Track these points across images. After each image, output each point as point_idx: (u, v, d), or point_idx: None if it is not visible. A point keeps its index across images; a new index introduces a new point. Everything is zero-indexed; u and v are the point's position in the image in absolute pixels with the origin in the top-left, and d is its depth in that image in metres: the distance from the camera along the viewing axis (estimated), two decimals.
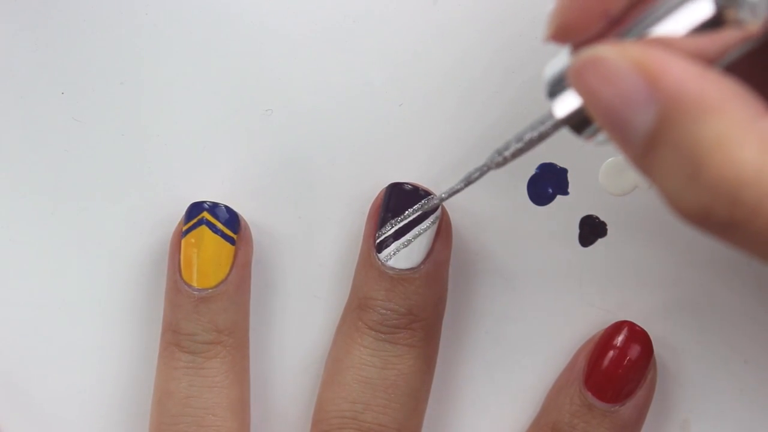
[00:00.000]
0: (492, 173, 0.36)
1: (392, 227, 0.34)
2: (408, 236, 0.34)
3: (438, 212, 0.35)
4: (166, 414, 0.34)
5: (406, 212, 0.34)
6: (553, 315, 0.37)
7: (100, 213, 0.37)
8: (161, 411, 0.35)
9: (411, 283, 0.34)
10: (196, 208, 0.35)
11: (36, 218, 0.37)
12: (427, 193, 0.34)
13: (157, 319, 0.36)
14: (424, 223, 0.34)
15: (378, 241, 0.34)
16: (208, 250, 0.35)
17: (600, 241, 0.37)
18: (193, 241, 0.35)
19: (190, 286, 0.34)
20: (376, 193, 0.36)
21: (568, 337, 0.37)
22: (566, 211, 0.37)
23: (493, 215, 0.37)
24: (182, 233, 0.35)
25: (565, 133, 0.37)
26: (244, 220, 0.36)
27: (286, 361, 0.37)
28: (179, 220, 0.36)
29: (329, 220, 0.37)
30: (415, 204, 0.34)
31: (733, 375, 0.37)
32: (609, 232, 0.37)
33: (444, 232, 0.35)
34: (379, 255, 0.34)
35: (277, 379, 0.37)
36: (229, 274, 0.35)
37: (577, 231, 0.37)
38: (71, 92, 0.37)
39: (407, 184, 0.35)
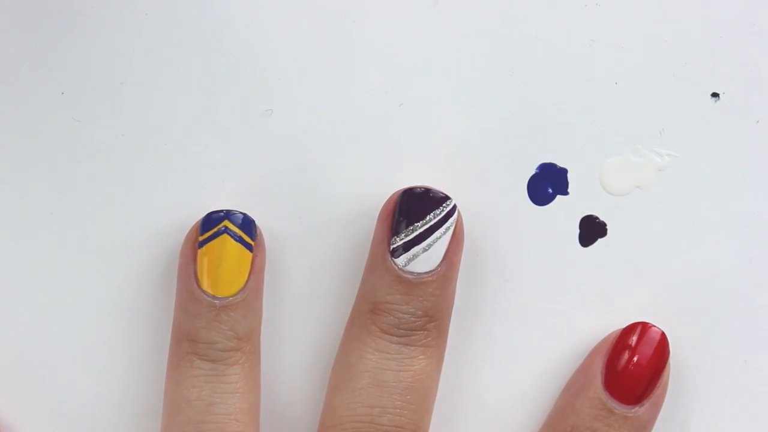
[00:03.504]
0: (492, 173, 0.37)
1: (412, 233, 0.34)
2: (429, 240, 0.34)
3: (455, 215, 0.34)
4: (186, 422, 0.34)
5: (427, 218, 0.34)
6: (552, 315, 0.37)
7: (99, 213, 0.37)
8: (180, 420, 0.34)
9: (429, 285, 0.34)
10: (215, 218, 0.35)
11: (36, 218, 0.37)
12: (441, 194, 0.34)
13: (158, 319, 0.36)
14: (443, 227, 0.34)
15: (394, 246, 0.34)
16: (231, 259, 0.34)
17: (600, 241, 0.37)
18: (214, 250, 0.34)
19: (209, 295, 0.34)
20: (376, 193, 0.36)
21: (568, 338, 0.37)
22: (566, 211, 0.37)
23: (493, 215, 0.37)
24: (199, 243, 0.35)
25: (565, 132, 0.37)
26: (258, 226, 0.36)
27: (288, 365, 0.37)
28: (179, 219, 0.36)
29: (329, 219, 0.37)
30: (429, 206, 0.34)
31: (733, 375, 0.37)
32: (609, 232, 0.37)
33: (458, 234, 0.35)
34: (396, 260, 0.34)
35: (278, 382, 0.37)
36: (247, 281, 0.35)
37: (577, 231, 0.37)
38: (71, 92, 0.37)
39: (418, 187, 0.35)
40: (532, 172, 0.37)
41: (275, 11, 0.36)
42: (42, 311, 0.37)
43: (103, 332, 0.37)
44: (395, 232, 0.34)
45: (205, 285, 0.34)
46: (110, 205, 0.37)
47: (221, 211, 0.35)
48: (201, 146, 0.37)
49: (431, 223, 0.34)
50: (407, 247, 0.34)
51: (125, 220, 0.37)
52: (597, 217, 0.37)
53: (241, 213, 0.35)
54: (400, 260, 0.34)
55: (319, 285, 0.37)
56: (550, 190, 0.37)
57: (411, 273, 0.34)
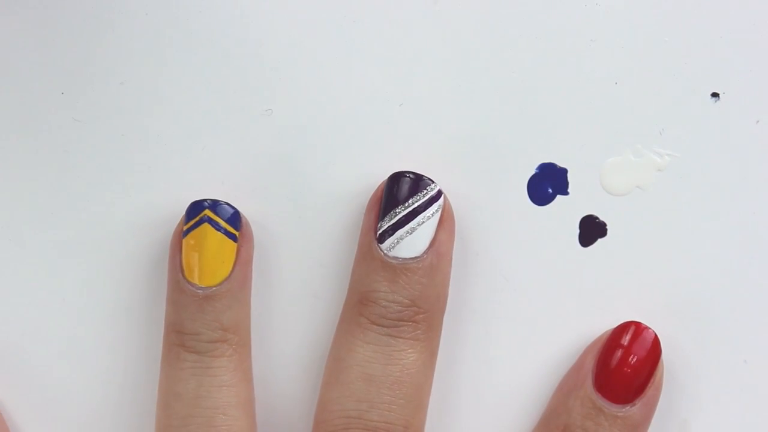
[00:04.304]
0: (492, 173, 0.37)
1: (395, 216, 0.34)
2: (412, 224, 0.34)
3: (441, 201, 0.35)
4: (174, 416, 0.34)
5: (410, 201, 0.34)
6: (552, 315, 0.37)
7: (99, 213, 0.37)
8: (169, 414, 0.34)
9: (414, 273, 0.34)
10: (197, 207, 0.35)
11: (36, 218, 0.37)
12: (425, 179, 0.34)
13: (158, 319, 0.36)
14: (427, 211, 0.34)
15: (380, 231, 0.34)
16: (212, 248, 0.34)
17: (600, 241, 0.37)
18: (195, 239, 0.34)
19: (193, 285, 0.34)
20: None
21: (568, 338, 0.37)
22: (566, 211, 0.37)
23: (493, 215, 0.37)
24: (183, 232, 0.35)
25: (565, 132, 0.37)
26: (245, 217, 0.36)
27: (284, 361, 0.37)
28: (179, 220, 0.36)
29: (329, 219, 0.37)
30: (416, 192, 0.34)
31: (733, 375, 0.37)
32: (609, 232, 0.37)
33: (446, 222, 0.35)
34: (381, 245, 0.34)
35: (275, 379, 0.37)
36: (232, 272, 0.35)
37: (577, 231, 0.37)
38: (71, 92, 0.37)
39: (405, 172, 0.35)
40: (532, 172, 0.37)
41: (275, 11, 0.36)
42: (43, 311, 0.37)
43: (104, 331, 0.37)
44: (381, 217, 0.34)
45: (189, 275, 0.34)
46: (110, 205, 0.37)
47: (205, 200, 0.35)
48: (201, 146, 0.37)
49: (413, 206, 0.34)
50: (391, 231, 0.34)
51: (125, 220, 0.37)
52: (597, 217, 0.37)
53: (226, 203, 0.35)
54: (385, 245, 0.34)
55: (318, 281, 0.37)
56: (550, 190, 0.37)
57: (396, 258, 0.34)
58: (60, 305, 0.37)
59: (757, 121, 0.37)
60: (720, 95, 0.37)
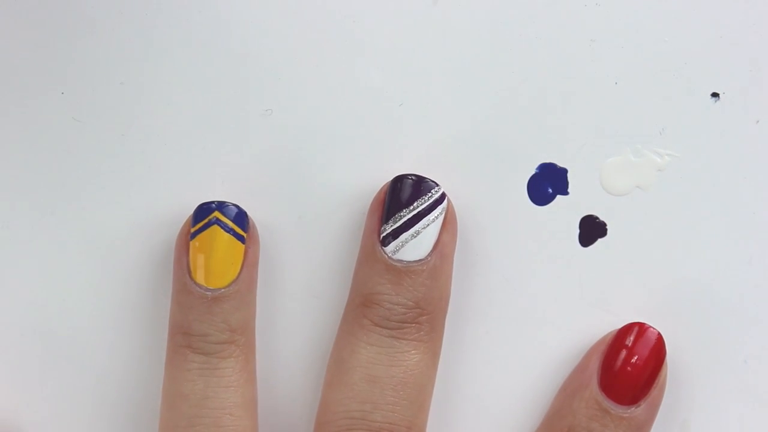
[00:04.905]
0: (492, 173, 0.37)
1: (400, 219, 0.34)
2: (417, 227, 0.34)
3: (444, 204, 0.35)
4: (181, 417, 0.34)
5: (414, 204, 0.34)
6: (552, 315, 0.37)
7: (99, 213, 0.37)
8: (175, 414, 0.34)
9: (419, 275, 0.34)
10: (205, 209, 0.35)
11: (36, 218, 0.37)
12: (430, 182, 0.34)
13: (158, 318, 0.36)
14: (431, 214, 0.34)
15: (384, 234, 0.34)
16: (221, 250, 0.34)
17: (600, 241, 0.37)
18: (205, 241, 0.34)
19: (201, 286, 0.34)
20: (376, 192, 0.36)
21: (568, 338, 0.37)
22: (566, 211, 0.37)
23: (493, 215, 0.37)
24: (191, 234, 0.35)
25: (565, 132, 0.37)
26: (251, 218, 0.36)
27: (285, 362, 0.37)
28: (180, 220, 0.36)
29: (329, 220, 0.37)
30: (417, 193, 0.34)
31: (733, 375, 0.37)
32: (609, 232, 0.37)
33: (449, 224, 0.35)
34: (385, 248, 0.34)
35: (276, 379, 0.37)
36: (240, 273, 0.35)
37: (577, 231, 0.37)
38: (71, 92, 0.37)
39: (409, 175, 0.35)
40: (532, 172, 0.37)
41: (275, 11, 0.36)
42: (43, 311, 0.37)
43: (104, 331, 0.37)
44: (385, 220, 0.34)
45: (197, 276, 0.34)
46: (110, 205, 0.37)
47: (213, 202, 0.35)
48: (201, 146, 0.37)
49: (418, 209, 0.34)
50: (396, 234, 0.34)
51: (125, 220, 0.37)
52: (597, 217, 0.37)
53: (233, 205, 0.35)
54: (389, 248, 0.34)
55: (319, 282, 0.37)
56: (550, 190, 0.37)
57: (400, 261, 0.34)
58: (60, 305, 0.37)
59: (757, 121, 0.37)
60: (720, 95, 0.37)
